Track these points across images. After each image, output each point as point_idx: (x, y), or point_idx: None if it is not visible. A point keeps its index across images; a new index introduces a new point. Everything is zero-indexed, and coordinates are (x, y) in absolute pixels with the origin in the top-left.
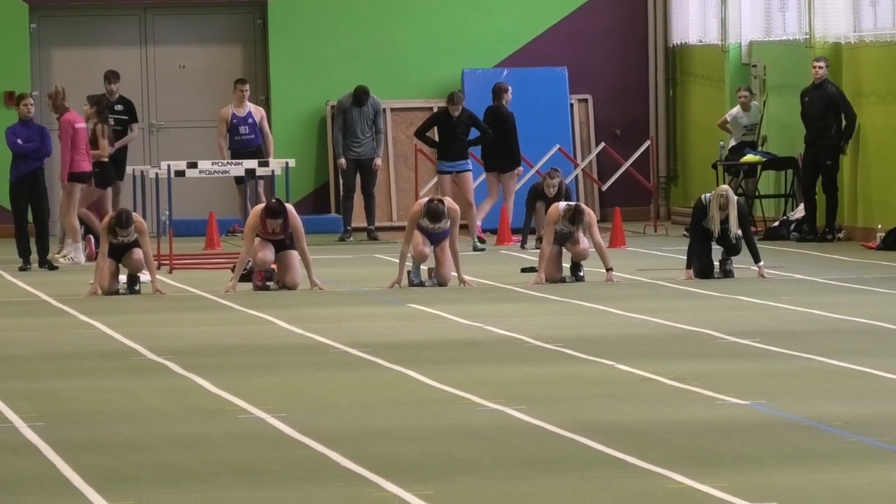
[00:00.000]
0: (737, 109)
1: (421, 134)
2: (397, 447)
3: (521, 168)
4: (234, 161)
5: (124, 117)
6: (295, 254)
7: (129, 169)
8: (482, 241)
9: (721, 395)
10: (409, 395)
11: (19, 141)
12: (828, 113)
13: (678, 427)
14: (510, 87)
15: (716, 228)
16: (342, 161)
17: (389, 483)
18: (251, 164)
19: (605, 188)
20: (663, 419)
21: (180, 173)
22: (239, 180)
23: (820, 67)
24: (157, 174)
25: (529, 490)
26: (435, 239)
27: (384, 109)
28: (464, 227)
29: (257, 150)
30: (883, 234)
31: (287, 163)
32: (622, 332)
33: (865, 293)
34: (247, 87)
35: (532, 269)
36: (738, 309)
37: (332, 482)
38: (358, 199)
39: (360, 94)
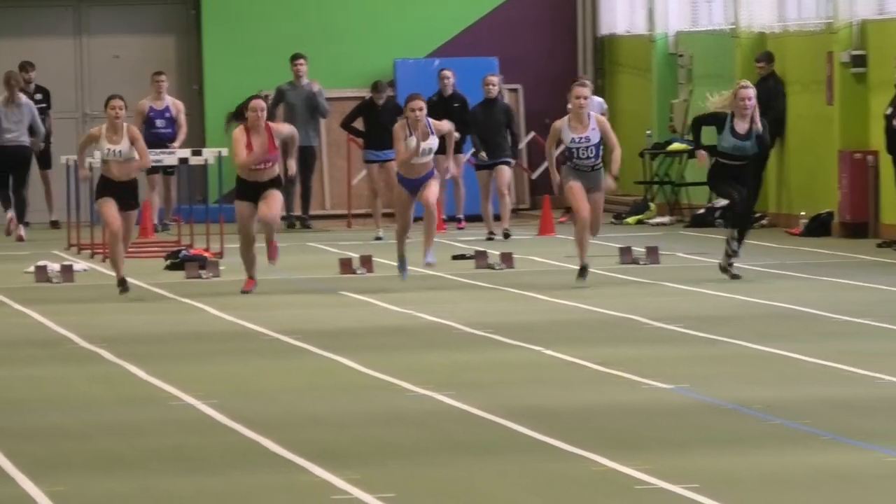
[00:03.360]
0: None
1: (347, 124)
2: (327, 433)
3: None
4: (166, 150)
5: (43, 105)
6: (277, 193)
7: (62, 158)
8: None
9: (646, 379)
10: (340, 381)
11: None
12: (765, 105)
13: (603, 411)
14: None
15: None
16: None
17: (319, 468)
18: (185, 152)
19: (534, 176)
20: (589, 403)
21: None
22: (154, 170)
23: (762, 67)
24: (90, 163)
25: (457, 474)
26: (417, 185)
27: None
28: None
29: (173, 142)
30: (806, 221)
31: (220, 152)
32: (550, 318)
33: (788, 278)
34: (163, 77)
35: (462, 257)
36: (664, 295)
37: (263, 468)
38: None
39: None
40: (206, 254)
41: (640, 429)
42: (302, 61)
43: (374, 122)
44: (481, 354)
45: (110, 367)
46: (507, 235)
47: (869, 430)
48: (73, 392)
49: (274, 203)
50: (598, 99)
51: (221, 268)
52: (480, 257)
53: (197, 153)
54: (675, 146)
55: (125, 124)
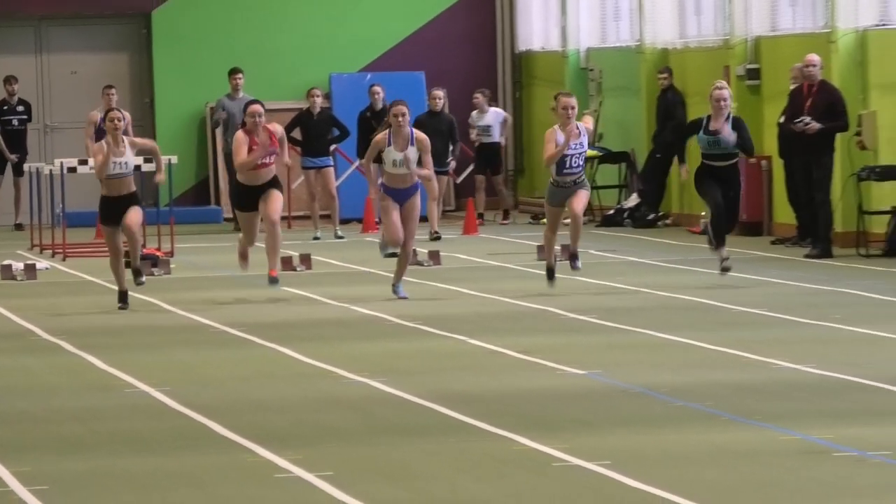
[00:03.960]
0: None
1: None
2: (271, 417)
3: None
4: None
5: (24, 117)
6: (278, 193)
7: (25, 166)
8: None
9: (562, 366)
10: (282, 369)
11: None
12: (665, 115)
13: (523, 395)
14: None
15: (709, 132)
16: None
17: (263, 449)
18: (138, 160)
19: (459, 181)
20: (510, 388)
21: (72, 170)
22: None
23: (664, 78)
24: (51, 170)
25: (391, 454)
26: (404, 196)
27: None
28: (327, 217)
29: None
30: (706, 220)
31: (170, 159)
32: (474, 310)
33: (690, 273)
34: (113, 91)
35: (394, 255)
36: (578, 289)
37: (212, 450)
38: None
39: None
40: (157, 253)
41: (557, 411)
42: (240, 75)
43: (310, 132)
44: (411, 344)
45: (70, 358)
46: (436, 237)
47: (764, 411)
48: (36, 381)
49: (275, 202)
50: (501, 111)
51: (172, 266)
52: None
53: (148, 160)
54: (588, 153)
55: (124, 136)
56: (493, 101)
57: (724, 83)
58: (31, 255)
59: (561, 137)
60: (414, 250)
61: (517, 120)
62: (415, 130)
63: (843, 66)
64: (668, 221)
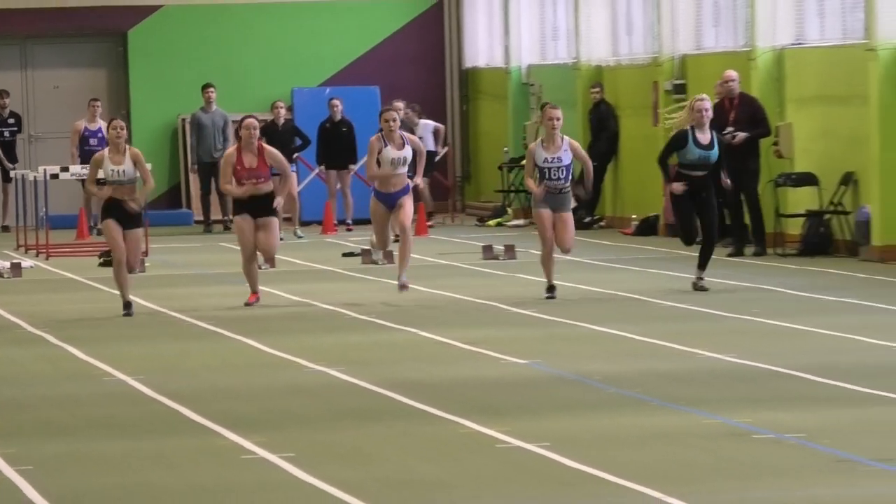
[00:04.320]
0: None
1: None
2: (238, 404)
3: (354, 166)
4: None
5: (15, 129)
6: (275, 222)
7: (12, 173)
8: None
9: (505, 356)
10: (249, 360)
11: None
12: (598, 127)
13: (470, 383)
14: (339, 102)
15: (698, 143)
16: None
17: (231, 433)
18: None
19: (411, 186)
20: (457, 376)
21: (55, 176)
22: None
23: (596, 92)
24: (35, 177)
25: (347, 436)
26: (393, 200)
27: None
28: (288, 219)
29: None
30: (637, 223)
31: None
32: (424, 304)
33: (622, 271)
34: (98, 103)
35: (351, 254)
36: (520, 285)
37: (184, 433)
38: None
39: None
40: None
41: (500, 397)
42: (212, 89)
43: (275, 141)
44: (367, 336)
45: (53, 349)
46: (396, 240)
47: (688, 397)
48: (21, 370)
49: (272, 234)
50: (430, 122)
51: (147, 264)
52: (366, 254)
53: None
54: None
55: (127, 146)
56: (422, 114)
57: (704, 95)
58: (17, 254)
59: (540, 153)
60: (369, 250)
61: (464, 130)
62: (406, 134)
63: (762, 81)
64: (602, 224)
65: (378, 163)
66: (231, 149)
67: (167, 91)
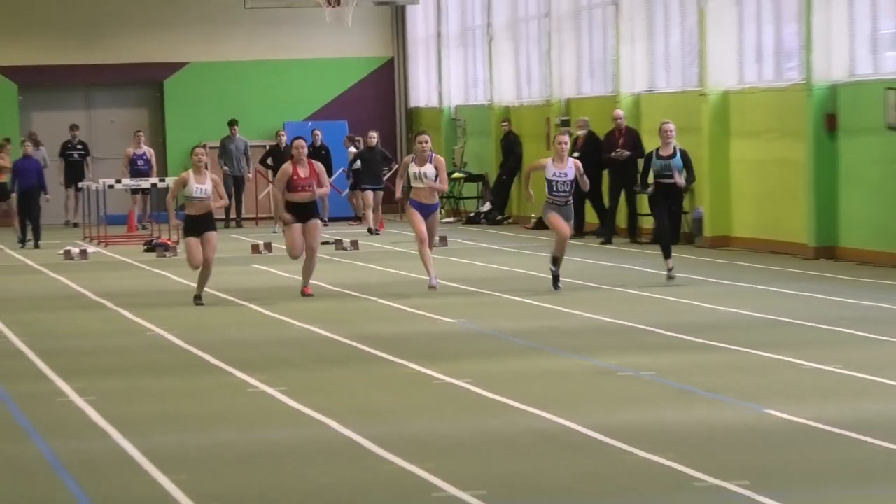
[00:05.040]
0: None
1: (262, 161)
2: (245, 351)
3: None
4: (140, 179)
5: (83, 152)
6: (318, 223)
7: (82, 184)
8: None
9: (440, 316)
10: (252, 320)
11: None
12: (507, 151)
13: (414, 336)
14: (319, 133)
15: (660, 156)
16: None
17: (239, 372)
18: (153, 180)
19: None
20: (406, 331)
21: (110, 186)
22: (135, 192)
23: (505, 125)
24: (97, 187)
25: (324, 376)
26: (428, 211)
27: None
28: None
29: (149, 175)
30: (535, 220)
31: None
32: (382, 280)
33: (525, 255)
34: (142, 134)
35: (326, 243)
36: (441, 265)
37: (204, 373)
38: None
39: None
40: (168, 242)
41: (436, 347)
42: (236, 126)
43: (278, 160)
44: (339, 303)
45: (109, 311)
46: (371, 231)
47: (572, 346)
48: (87, 327)
49: (316, 235)
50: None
51: (179, 250)
52: (338, 244)
53: (162, 180)
54: (456, 175)
55: (208, 170)
56: (356, 141)
57: (669, 120)
58: (84, 243)
59: (550, 168)
60: (341, 240)
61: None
62: (434, 153)
63: (628, 118)
64: (510, 221)
65: (407, 178)
66: (286, 164)
67: (192, 125)
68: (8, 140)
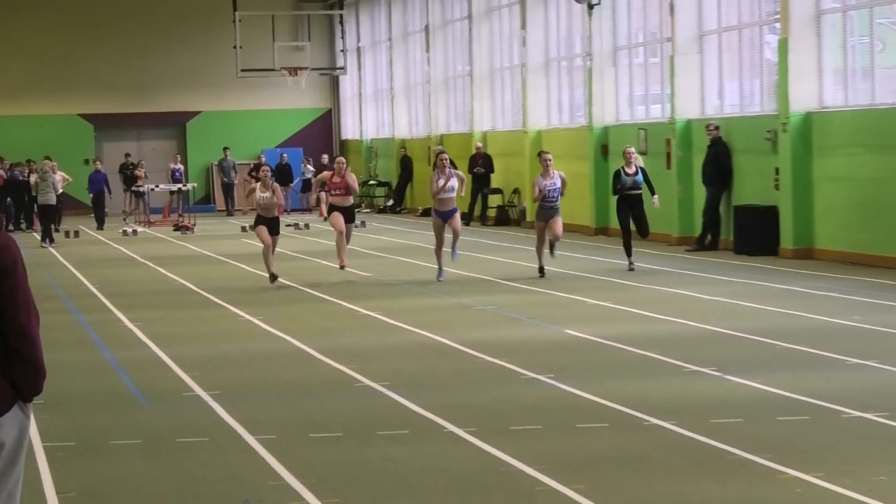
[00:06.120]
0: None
1: (249, 173)
2: (238, 294)
3: (291, 185)
4: (173, 185)
5: (133, 169)
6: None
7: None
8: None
9: (361, 271)
10: (240, 273)
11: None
12: (404, 168)
13: (343, 285)
14: (286, 156)
15: (626, 173)
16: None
17: (233, 307)
18: (179, 186)
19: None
20: (339, 281)
21: (152, 189)
22: (172, 192)
23: (403, 152)
24: (143, 190)
25: (288, 310)
26: (448, 215)
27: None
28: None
29: (181, 182)
30: (421, 210)
31: (194, 185)
32: (327, 249)
33: (413, 234)
34: (178, 155)
35: (296, 226)
36: (364, 240)
37: (211, 308)
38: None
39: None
40: (188, 225)
41: (358, 291)
42: (228, 151)
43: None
44: (298, 264)
45: (150, 269)
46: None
47: (446, 291)
48: (137, 280)
49: (348, 224)
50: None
51: (196, 230)
52: (296, 226)
53: (186, 185)
54: (371, 182)
55: (272, 182)
56: (309, 162)
57: (630, 146)
58: (135, 226)
59: (541, 181)
60: (297, 223)
61: None
62: (454, 169)
63: (531, 147)
64: (405, 211)
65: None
66: (326, 172)
67: (203, 150)
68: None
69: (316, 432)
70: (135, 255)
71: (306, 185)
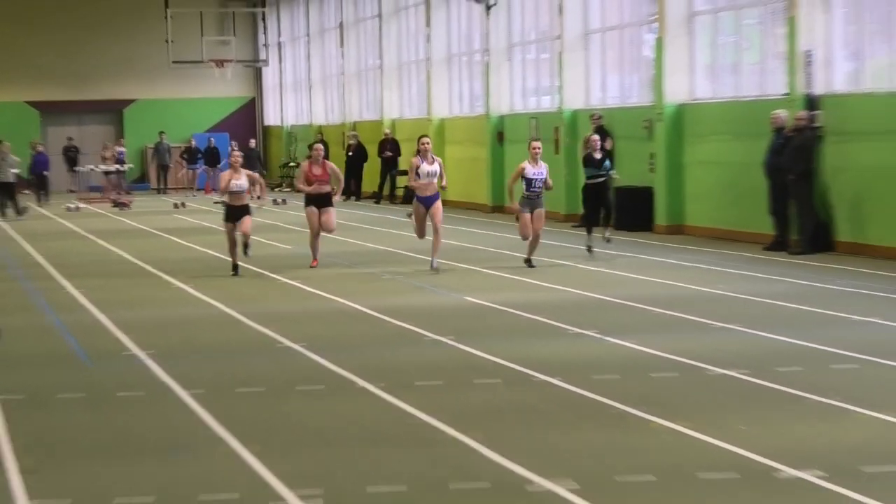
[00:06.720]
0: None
1: (181, 155)
2: (171, 265)
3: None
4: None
5: (76, 151)
6: (332, 210)
7: (76, 168)
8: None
9: (283, 244)
10: (173, 245)
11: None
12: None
13: (271, 257)
14: (214, 140)
15: (595, 153)
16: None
17: (167, 276)
18: (117, 167)
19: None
20: (267, 256)
21: (91, 170)
22: (107, 173)
23: (318, 136)
24: (84, 170)
25: (218, 281)
26: (430, 202)
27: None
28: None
29: (124, 162)
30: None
31: (130, 166)
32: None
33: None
34: (122, 140)
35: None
36: (285, 217)
37: (147, 278)
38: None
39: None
40: (126, 202)
41: (280, 263)
42: (164, 135)
43: (190, 154)
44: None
45: (91, 241)
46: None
47: (359, 262)
48: (78, 249)
49: (331, 218)
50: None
51: (133, 206)
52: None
53: (123, 166)
54: (290, 164)
55: (326, 161)
56: (234, 147)
57: (596, 136)
58: (76, 202)
59: (528, 168)
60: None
61: (265, 152)
62: (433, 154)
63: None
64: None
65: (417, 175)
66: (305, 162)
67: (139, 135)
68: None
69: (241, 388)
70: (78, 229)
71: None
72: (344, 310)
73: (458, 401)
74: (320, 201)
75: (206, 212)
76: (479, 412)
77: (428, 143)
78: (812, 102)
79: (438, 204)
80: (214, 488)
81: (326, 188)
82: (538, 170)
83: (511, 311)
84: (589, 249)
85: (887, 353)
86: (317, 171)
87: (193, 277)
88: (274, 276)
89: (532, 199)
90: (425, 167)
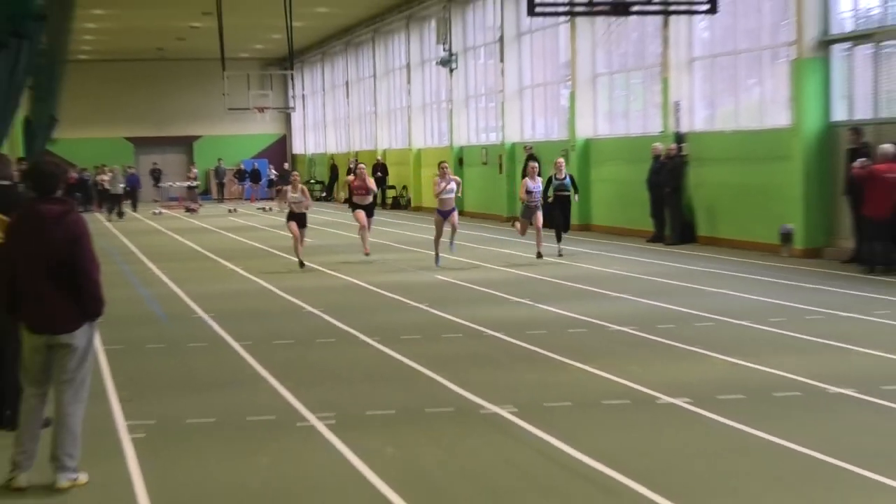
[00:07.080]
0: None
1: (234, 175)
2: (228, 252)
3: (263, 180)
4: (188, 182)
5: (160, 172)
6: (369, 212)
7: (160, 184)
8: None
9: (252, 242)
10: (242, 245)
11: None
12: (331, 173)
13: (241, 251)
14: (256, 162)
15: (557, 178)
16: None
17: (224, 261)
18: (191, 183)
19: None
20: (235, 249)
21: (171, 185)
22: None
23: (332, 162)
24: (168, 185)
25: (191, 265)
26: (445, 215)
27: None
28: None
29: (196, 180)
30: (346, 198)
31: (199, 183)
32: (236, 247)
33: (335, 213)
34: (194, 166)
35: (266, 209)
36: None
37: (207, 261)
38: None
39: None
40: (195, 208)
41: (236, 255)
42: (221, 160)
43: (240, 175)
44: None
45: (169, 237)
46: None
47: (337, 250)
48: (160, 242)
49: (371, 221)
50: (274, 170)
51: (199, 211)
52: (263, 210)
53: (194, 183)
54: (311, 182)
55: (300, 185)
56: (272, 168)
57: (562, 158)
58: (160, 209)
59: (530, 184)
60: (263, 207)
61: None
62: (452, 175)
63: (414, 164)
64: (333, 199)
65: (439, 191)
66: (350, 177)
67: (204, 161)
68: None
69: (276, 340)
70: (160, 227)
71: (270, 183)
72: (350, 285)
73: (432, 349)
74: (366, 209)
75: (250, 215)
76: (447, 358)
77: (446, 166)
78: (680, 138)
79: (454, 214)
80: (258, 412)
81: (369, 199)
82: (536, 184)
83: (469, 285)
84: (539, 255)
85: (734, 315)
86: (359, 182)
87: (242, 261)
88: (226, 263)
89: (532, 205)
90: (441, 185)
